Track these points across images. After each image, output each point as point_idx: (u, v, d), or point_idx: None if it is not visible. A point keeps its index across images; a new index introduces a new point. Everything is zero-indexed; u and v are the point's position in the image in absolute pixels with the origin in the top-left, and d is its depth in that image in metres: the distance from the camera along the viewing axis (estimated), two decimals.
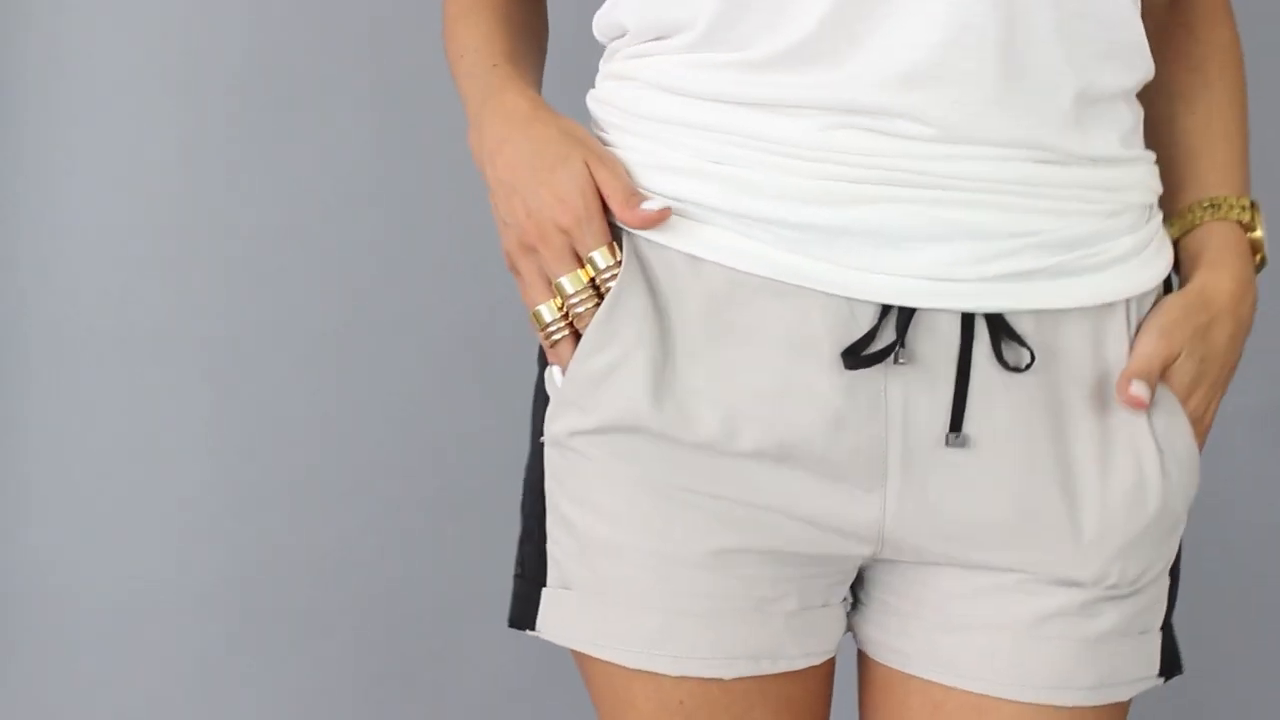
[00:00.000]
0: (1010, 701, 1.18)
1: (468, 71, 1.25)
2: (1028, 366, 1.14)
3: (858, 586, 1.25)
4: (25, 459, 2.04)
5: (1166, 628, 1.23)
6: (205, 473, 2.06)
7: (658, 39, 1.18)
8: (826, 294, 1.13)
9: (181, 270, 2.04)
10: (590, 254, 1.16)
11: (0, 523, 2.05)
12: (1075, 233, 1.15)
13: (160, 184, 2.04)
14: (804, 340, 1.13)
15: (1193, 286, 1.22)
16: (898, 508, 1.16)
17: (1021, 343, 1.14)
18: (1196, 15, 1.29)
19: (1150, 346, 1.18)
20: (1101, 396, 1.17)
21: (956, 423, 1.14)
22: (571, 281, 1.16)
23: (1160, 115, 1.26)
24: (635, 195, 1.16)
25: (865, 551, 1.18)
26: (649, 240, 1.16)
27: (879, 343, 1.13)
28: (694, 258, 1.15)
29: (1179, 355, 1.19)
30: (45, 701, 2.07)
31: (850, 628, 1.25)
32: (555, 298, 1.17)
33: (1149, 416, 1.18)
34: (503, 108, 1.20)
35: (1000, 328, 1.14)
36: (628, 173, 1.17)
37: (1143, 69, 1.18)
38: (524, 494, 1.25)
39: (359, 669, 2.11)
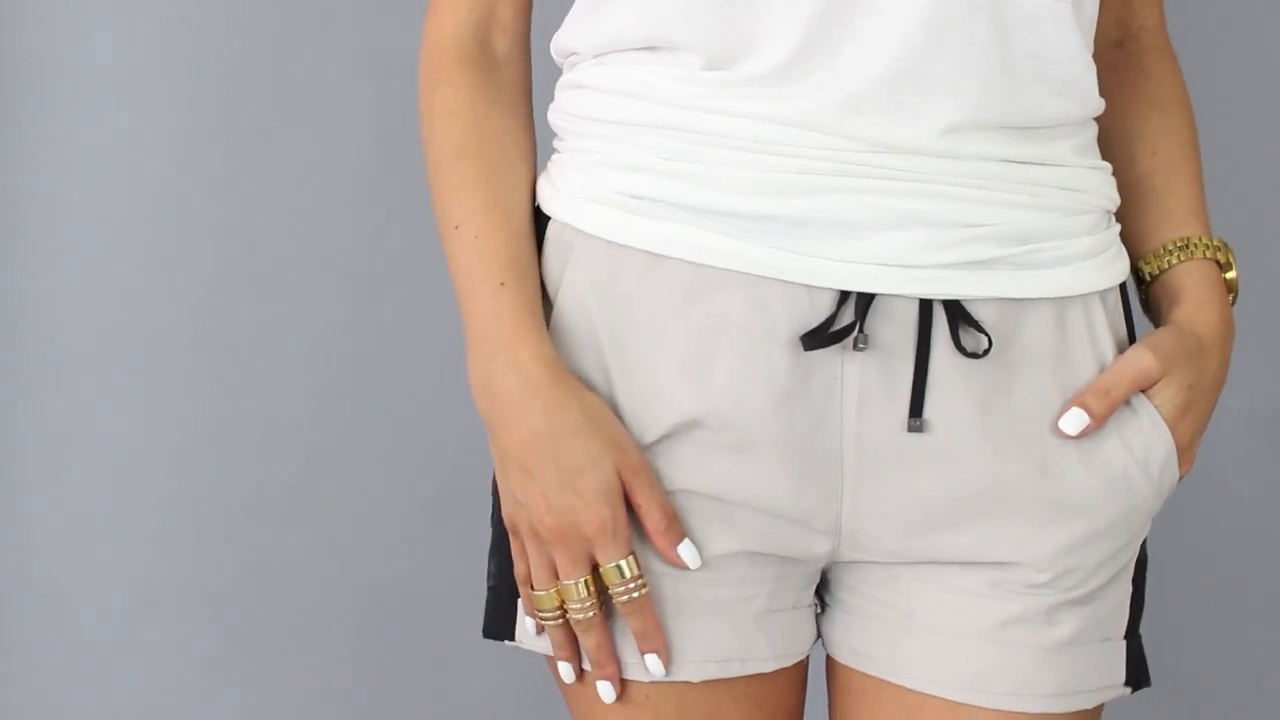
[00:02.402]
0: (973, 707, 1.19)
1: (464, 269, 1.19)
2: (985, 352, 1.15)
3: (823, 590, 1.26)
4: (24, 459, 2.04)
5: (1132, 637, 1.23)
6: (204, 473, 2.06)
7: (609, 53, 1.19)
8: (785, 282, 1.14)
9: (180, 271, 2.05)
10: (610, 564, 1.15)
11: None
12: (1031, 227, 1.16)
13: (159, 184, 2.04)
14: (762, 328, 1.15)
15: (1181, 318, 1.24)
16: (854, 495, 1.17)
17: (980, 329, 1.15)
18: (1148, 56, 1.32)
19: (1133, 359, 1.19)
20: (1075, 391, 1.18)
21: (917, 408, 1.15)
22: (579, 588, 1.16)
23: (1120, 157, 1.28)
24: (676, 526, 1.16)
25: (824, 547, 1.19)
26: (607, 241, 1.17)
27: (838, 329, 1.14)
28: (654, 255, 1.16)
29: (1163, 376, 1.20)
30: (45, 701, 2.07)
31: (818, 632, 1.26)
32: (556, 589, 1.17)
33: (1125, 425, 1.19)
34: (516, 365, 1.16)
35: (958, 314, 1.15)
36: (654, 472, 1.16)
37: (1093, 102, 1.20)
38: (493, 502, 1.25)
39: (358, 670, 2.11)
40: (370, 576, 2.10)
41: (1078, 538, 1.18)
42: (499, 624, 1.26)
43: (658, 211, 1.16)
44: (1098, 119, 1.24)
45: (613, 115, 1.18)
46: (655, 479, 1.16)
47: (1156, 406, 1.20)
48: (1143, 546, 1.24)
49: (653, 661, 1.17)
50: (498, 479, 1.20)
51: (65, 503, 2.05)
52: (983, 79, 1.14)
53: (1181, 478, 1.21)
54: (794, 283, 1.14)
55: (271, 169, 2.04)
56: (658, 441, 1.17)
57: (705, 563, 1.17)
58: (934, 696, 1.20)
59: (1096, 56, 1.24)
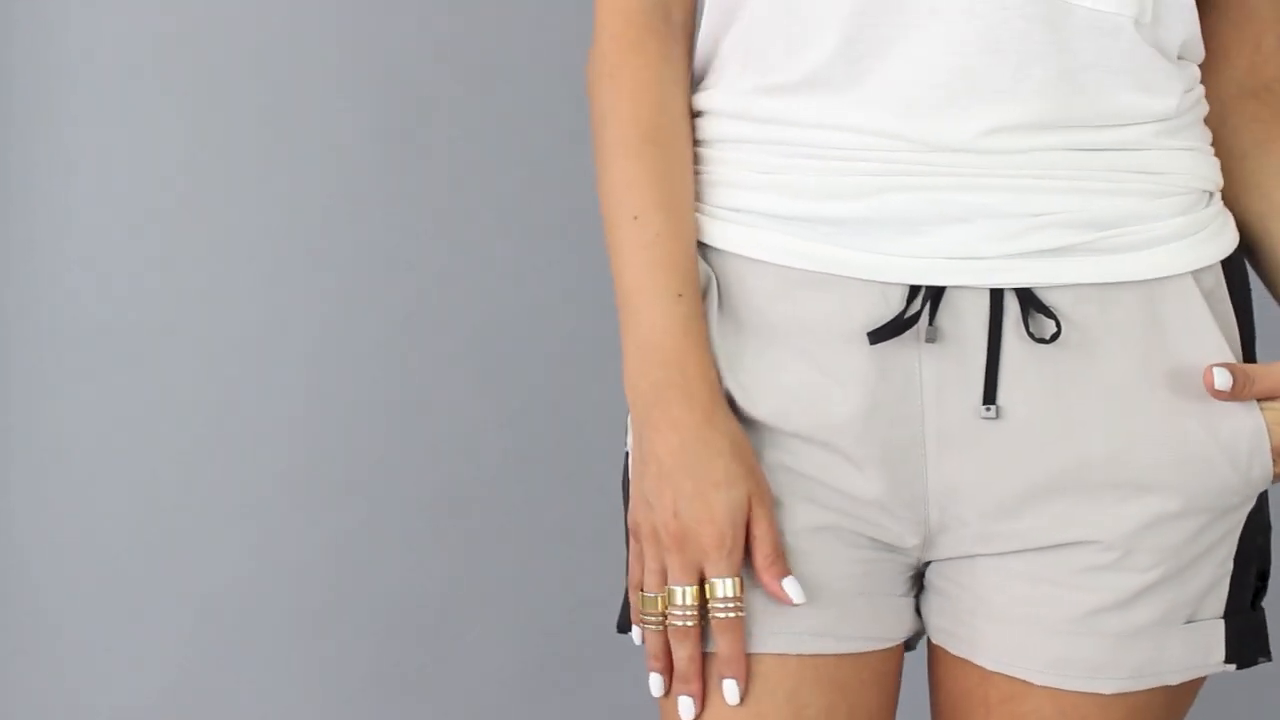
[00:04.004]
0: (1052, 689, 1.22)
1: (639, 266, 1.22)
2: (1053, 338, 1.18)
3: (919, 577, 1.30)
4: (24, 459, 2.04)
5: (1240, 616, 1.25)
6: (205, 472, 2.06)
7: (706, 67, 1.27)
8: (860, 280, 1.20)
9: (182, 270, 2.04)
10: (715, 579, 1.19)
11: None
12: (1109, 213, 1.20)
13: (160, 184, 2.03)
14: (841, 326, 1.20)
15: None
16: (938, 483, 1.21)
17: (1050, 315, 1.18)
18: None
19: (1275, 372, 1.22)
20: (1160, 374, 1.21)
21: (990, 395, 1.19)
22: (681, 595, 1.20)
23: (1278, 205, 1.29)
24: (782, 562, 1.20)
25: (914, 539, 1.23)
26: (719, 250, 1.24)
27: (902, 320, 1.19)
28: (752, 259, 1.22)
29: None
30: (45, 702, 2.07)
31: (919, 625, 1.30)
32: (663, 595, 1.21)
33: (1216, 410, 1.21)
34: (684, 380, 1.21)
35: (1029, 302, 1.19)
36: (776, 508, 1.21)
37: (1174, 99, 1.22)
38: (625, 509, 1.29)
39: (359, 669, 2.11)
40: (370, 576, 2.10)
41: (1150, 517, 1.20)
42: (627, 620, 1.28)
43: (751, 221, 1.23)
44: (1249, 164, 1.27)
45: (711, 135, 1.26)
46: (775, 519, 1.20)
47: (1263, 408, 1.22)
48: (1256, 524, 1.26)
49: (729, 686, 1.21)
50: (633, 481, 1.23)
51: (66, 503, 2.05)
52: (1039, 84, 1.17)
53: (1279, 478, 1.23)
54: (867, 280, 1.19)
55: (272, 169, 2.04)
56: (747, 423, 1.22)
57: (793, 535, 1.22)
58: (1013, 677, 1.23)
59: (1235, 106, 1.28)
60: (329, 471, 2.08)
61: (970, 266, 1.19)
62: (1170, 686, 1.24)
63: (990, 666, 1.23)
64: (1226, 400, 1.20)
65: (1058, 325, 1.18)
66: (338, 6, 2.04)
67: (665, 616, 1.21)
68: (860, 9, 1.18)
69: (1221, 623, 1.24)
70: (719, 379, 1.22)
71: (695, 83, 1.29)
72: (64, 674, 2.07)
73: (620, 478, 1.29)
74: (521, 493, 2.10)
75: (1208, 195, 1.25)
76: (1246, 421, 1.21)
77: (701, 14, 1.28)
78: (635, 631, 1.24)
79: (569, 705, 2.13)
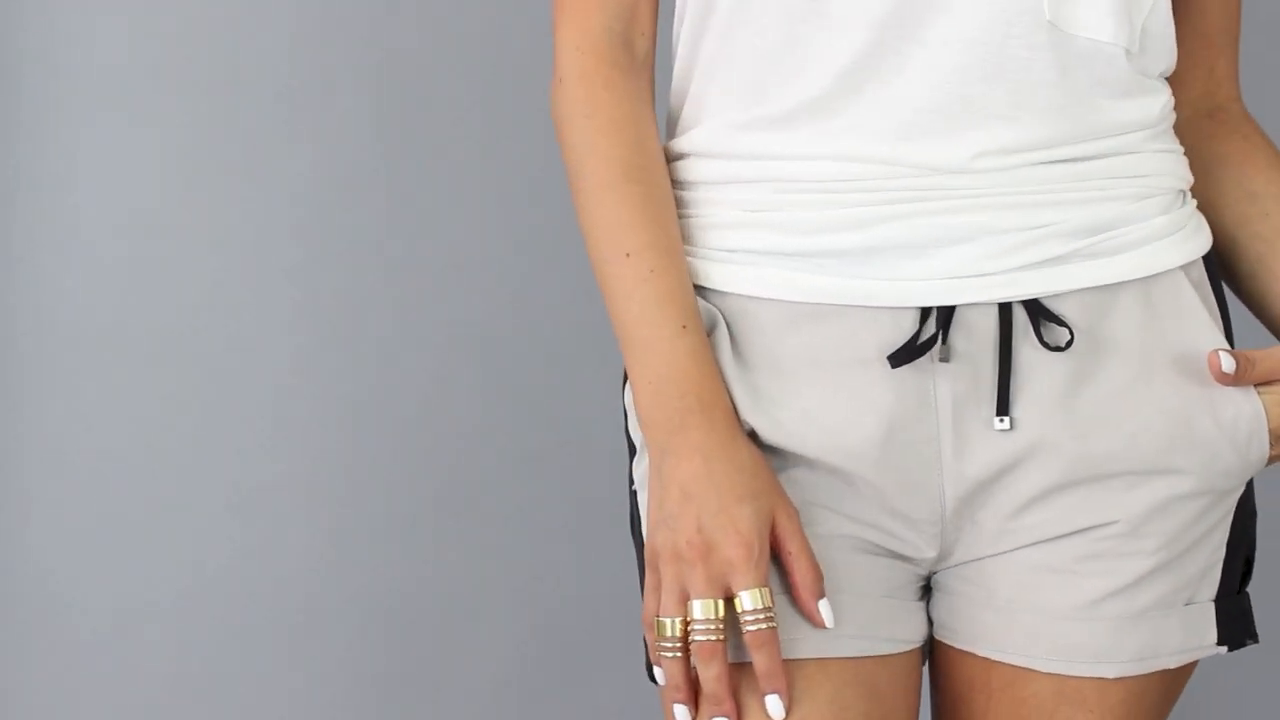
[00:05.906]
0: (1057, 675, 1.24)
1: (639, 302, 1.23)
2: (1068, 344, 1.21)
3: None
4: (25, 460, 2.04)
5: (1229, 599, 1.28)
6: (205, 473, 2.07)
7: (685, 103, 1.28)
8: (868, 308, 1.22)
9: (181, 270, 2.05)
10: (741, 591, 1.17)
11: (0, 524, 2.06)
12: (1100, 218, 1.23)
13: (160, 184, 2.04)
14: (854, 354, 1.22)
15: None
16: (955, 498, 1.23)
17: (1060, 323, 1.21)
18: (1246, 126, 1.37)
19: (1273, 355, 1.26)
20: (1162, 364, 1.24)
21: (1003, 407, 1.21)
22: (704, 609, 1.18)
23: (1247, 214, 1.34)
24: (820, 582, 1.20)
25: (932, 551, 1.25)
26: (720, 292, 1.24)
27: (920, 342, 1.21)
28: (755, 297, 1.23)
29: None
30: (45, 703, 2.07)
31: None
32: (682, 616, 1.19)
33: (1218, 396, 1.24)
34: (701, 405, 1.21)
35: (1038, 312, 1.21)
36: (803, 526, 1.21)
37: (1160, 104, 1.26)
38: (637, 556, 1.28)
39: (359, 669, 2.11)
40: (370, 576, 2.10)
41: (1160, 500, 1.23)
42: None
43: (750, 260, 1.24)
44: (1206, 180, 1.32)
45: (702, 177, 1.26)
46: (805, 535, 1.20)
47: (1261, 392, 1.25)
48: (1245, 510, 1.29)
49: (773, 702, 1.19)
50: (653, 508, 1.22)
51: (67, 504, 2.05)
52: (1040, 111, 1.21)
53: (1273, 460, 1.26)
54: (877, 307, 1.21)
55: (272, 169, 2.05)
56: (766, 450, 1.23)
57: (816, 540, 1.22)
58: (1013, 665, 1.25)
59: (1192, 127, 1.33)
60: (329, 470, 2.08)
61: (977, 284, 1.21)
62: (1168, 670, 1.26)
63: (995, 657, 1.26)
64: (1230, 384, 1.24)
65: (1070, 333, 1.21)
66: (338, 6, 2.05)
67: (685, 641, 1.18)
68: (872, 39, 1.20)
69: (1213, 606, 1.27)
70: (735, 410, 1.22)
71: (671, 125, 1.29)
72: (63, 675, 2.07)
73: (629, 525, 1.29)
74: (521, 492, 2.10)
75: (1182, 195, 1.29)
76: (1245, 406, 1.25)
77: (675, 53, 1.28)
78: (658, 673, 1.21)
79: (569, 705, 2.13)
